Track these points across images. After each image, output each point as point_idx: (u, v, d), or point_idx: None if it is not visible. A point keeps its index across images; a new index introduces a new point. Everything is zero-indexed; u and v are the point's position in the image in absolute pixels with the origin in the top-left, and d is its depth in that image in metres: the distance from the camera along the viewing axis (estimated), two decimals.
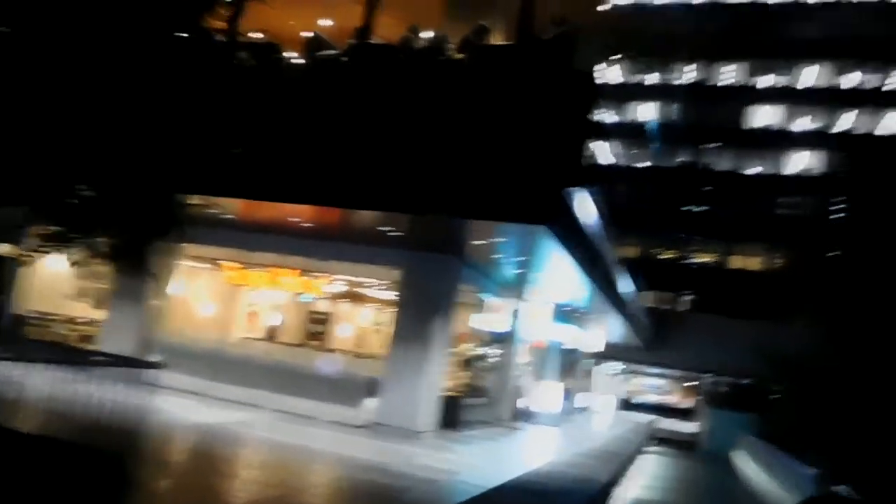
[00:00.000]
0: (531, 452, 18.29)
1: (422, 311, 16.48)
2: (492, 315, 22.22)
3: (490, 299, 21.70)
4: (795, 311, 29.23)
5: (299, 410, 16.06)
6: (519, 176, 12.45)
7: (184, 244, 14.01)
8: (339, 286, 20.35)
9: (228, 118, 12.38)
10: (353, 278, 19.55)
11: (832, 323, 28.05)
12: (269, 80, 13.12)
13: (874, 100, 52.69)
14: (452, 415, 18.51)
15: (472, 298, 21.02)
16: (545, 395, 26.45)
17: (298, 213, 15.20)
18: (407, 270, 16.72)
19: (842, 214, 48.01)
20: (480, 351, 22.70)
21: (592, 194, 15.89)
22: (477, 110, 13.00)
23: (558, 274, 19.31)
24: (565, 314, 25.60)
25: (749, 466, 23.93)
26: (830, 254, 36.04)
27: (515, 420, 23.20)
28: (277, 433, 14.17)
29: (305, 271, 18.91)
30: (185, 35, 10.13)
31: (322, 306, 21.60)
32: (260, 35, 14.54)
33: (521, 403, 24.49)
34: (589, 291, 21.90)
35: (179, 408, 14.08)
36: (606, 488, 13.96)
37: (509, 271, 19.68)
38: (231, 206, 15.12)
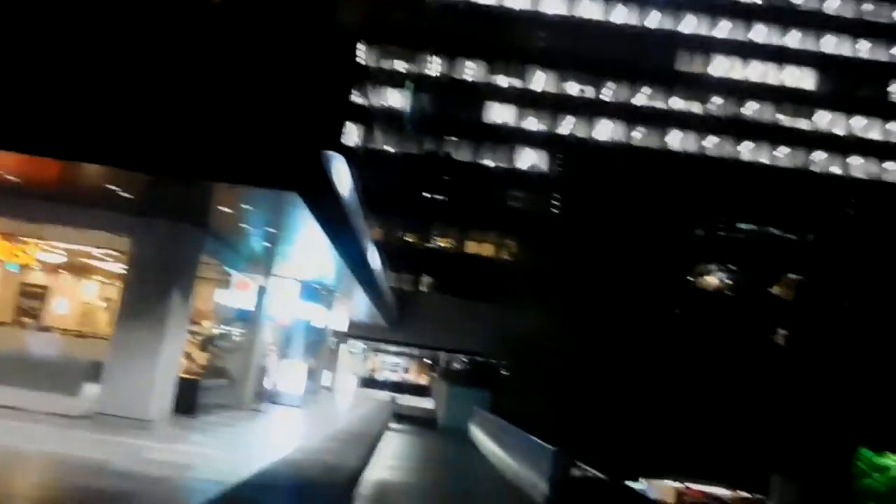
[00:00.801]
0: (277, 438, 16.51)
1: (156, 286, 13.99)
2: (237, 291, 20.05)
3: (235, 274, 19.51)
4: (523, 294, 30.16)
5: (3, 401, 12.96)
6: (271, 135, 10.63)
7: None
8: (58, 255, 17.04)
9: None
10: (73, 246, 16.34)
11: (555, 306, 29.38)
12: None
13: (590, 109, 56.75)
14: (190, 399, 16.24)
15: (215, 272, 18.71)
16: (290, 375, 24.66)
17: (2, 164, 12.08)
18: (138, 238, 14.11)
19: (557, 209, 51.37)
20: (223, 330, 20.44)
21: (348, 162, 14.45)
22: (227, 58, 10.98)
23: (309, 248, 17.64)
24: (312, 291, 23.93)
25: (485, 442, 23.91)
26: (549, 243, 38.03)
27: (259, 402, 21.21)
28: None
29: (12, 235, 15.39)
30: None
31: (37, 278, 18.09)
32: None
33: (265, 385, 22.53)
34: (339, 268, 20.42)
35: None
36: (356, 474, 12.63)
37: (257, 244, 17.64)
38: None
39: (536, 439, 14.09)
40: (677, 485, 31.41)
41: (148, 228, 13.88)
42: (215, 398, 18.20)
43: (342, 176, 12.82)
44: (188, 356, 17.45)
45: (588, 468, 11.80)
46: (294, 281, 21.11)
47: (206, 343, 18.97)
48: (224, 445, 13.37)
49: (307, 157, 11.01)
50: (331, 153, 11.65)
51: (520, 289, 31.31)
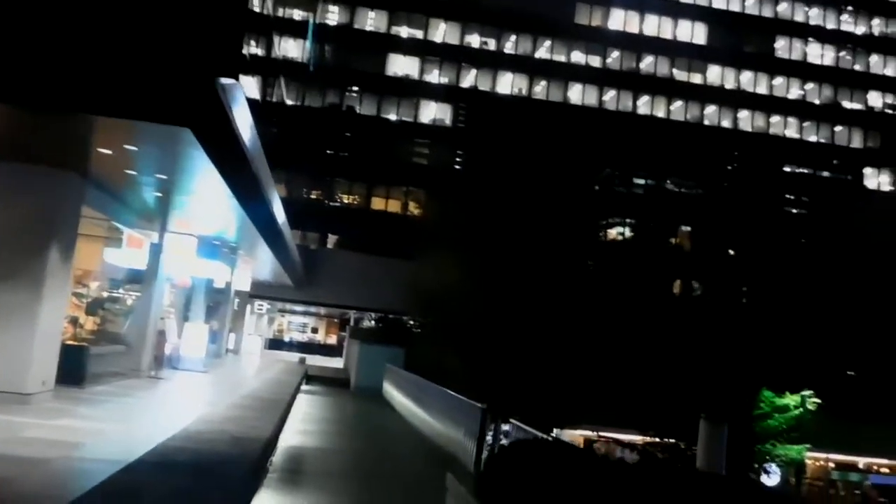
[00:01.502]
0: (178, 407, 14.87)
1: (29, 243, 12.06)
2: (128, 249, 18.09)
3: (126, 230, 17.53)
4: (434, 249, 29.19)
5: None
6: (157, 61, 8.98)
7: None
8: None
9: None
10: None
11: (466, 260, 28.52)
12: None
13: (492, 62, 55.53)
14: (77, 368, 14.48)
15: (103, 228, 16.72)
16: (191, 338, 22.85)
17: None
18: (4, 187, 12.10)
19: (460, 163, 50.41)
20: (114, 291, 18.44)
21: (248, 99, 12.76)
22: None
23: (207, 199, 15.89)
24: (212, 248, 22.06)
25: (401, 400, 22.79)
26: (455, 197, 37.08)
27: (159, 369, 19.39)
28: None
29: None
30: None
31: None
32: None
33: (164, 350, 20.68)
34: (241, 222, 18.66)
35: None
36: (267, 444, 11.26)
37: (149, 194, 15.72)
38: None
39: (462, 397, 13.00)
40: (588, 433, 31.42)
41: (14, 175, 11.91)
42: (108, 366, 16.40)
43: (241, 109, 11.17)
44: (74, 321, 15.54)
45: (523, 426, 10.80)
46: (191, 237, 19.22)
47: (95, 306, 17.01)
48: (116, 419, 11.74)
49: (200, 85, 9.38)
50: (227, 81, 10.01)
51: (430, 243, 30.32)
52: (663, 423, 25.96)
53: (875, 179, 61.21)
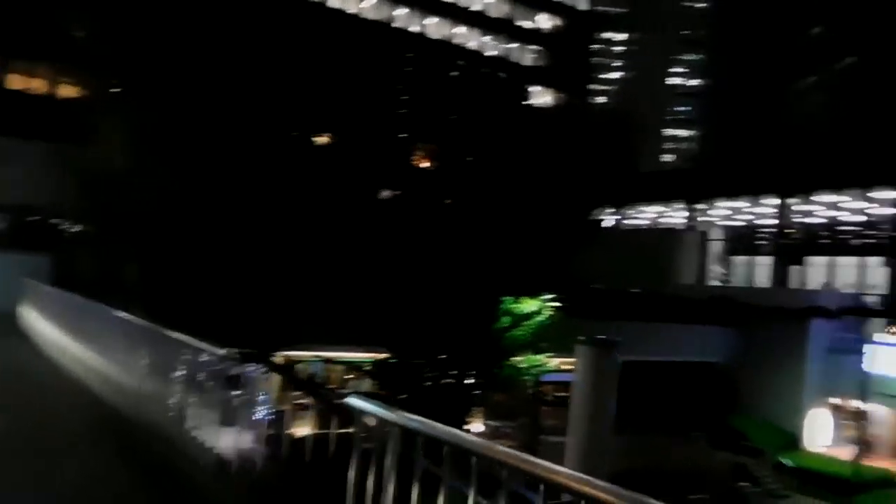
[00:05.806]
0: None
1: None
2: None
3: None
4: (105, 130, 21.00)
5: None
6: None
7: None
8: None
9: None
10: None
11: (149, 146, 20.89)
12: None
13: None
14: None
15: None
16: None
17: None
18: None
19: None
20: None
21: None
22: None
23: None
24: None
25: (52, 335, 14.51)
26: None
27: None
28: None
29: None
30: None
31: None
32: None
33: None
34: None
35: None
36: None
37: None
38: None
39: (202, 343, 6.17)
40: (301, 353, 25.87)
41: None
42: None
43: None
44: None
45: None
46: None
47: None
48: None
49: None
50: None
51: (100, 124, 21.86)
52: (394, 338, 21.26)
53: (541, 98, 62.44)
